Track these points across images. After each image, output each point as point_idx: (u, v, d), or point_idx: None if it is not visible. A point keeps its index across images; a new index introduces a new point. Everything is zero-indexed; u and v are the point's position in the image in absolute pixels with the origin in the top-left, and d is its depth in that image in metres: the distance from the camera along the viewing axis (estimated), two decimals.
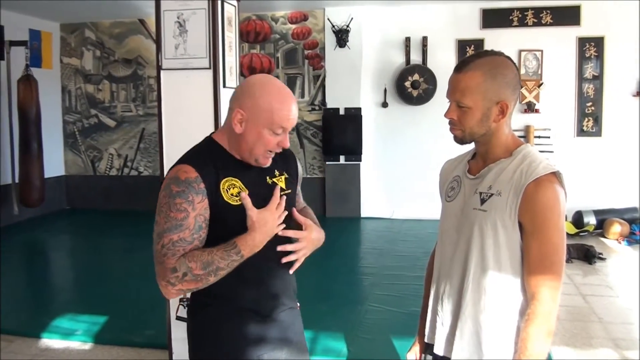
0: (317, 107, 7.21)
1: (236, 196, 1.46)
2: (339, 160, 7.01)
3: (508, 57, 1.44)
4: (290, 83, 7.27)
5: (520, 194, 1.36)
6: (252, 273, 1.49)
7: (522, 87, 6.61)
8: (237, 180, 1.47)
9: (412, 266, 4.88)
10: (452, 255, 1.51)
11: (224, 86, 2.90)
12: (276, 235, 1.50)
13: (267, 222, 1.45)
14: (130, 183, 7.82)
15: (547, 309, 1.35)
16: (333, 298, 4.20)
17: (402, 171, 6.94)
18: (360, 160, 6.92)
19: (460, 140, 1.47)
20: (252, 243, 1.43)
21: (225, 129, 1.52)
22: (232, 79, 3.00)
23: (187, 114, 2.89)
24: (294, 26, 7.28)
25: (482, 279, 1.43)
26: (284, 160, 1.62)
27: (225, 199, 1.44)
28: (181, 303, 2.90)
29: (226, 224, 1.45)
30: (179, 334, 2.94)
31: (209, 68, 2.82)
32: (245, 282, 1.50)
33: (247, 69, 7.37)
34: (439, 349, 1.53)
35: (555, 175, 1.38)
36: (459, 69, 1.42)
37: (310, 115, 7.25)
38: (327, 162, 7.07)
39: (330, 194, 6.97)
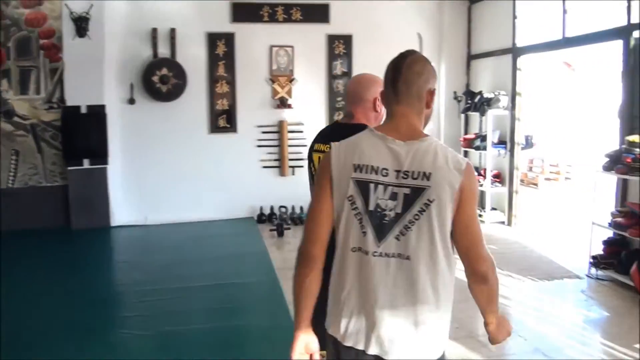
0: (55, 105, 6.36)
1: None
2: (82, 165, 6.22)
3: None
4: (24, 77, 6.34)
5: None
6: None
7: (274, 83, 6.61)
8: None
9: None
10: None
11: None
12: None
13: None
14: None
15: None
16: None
17: (155, 173, 6.46)
18: (107, 164, 6.24)
19: None
20: None
21: (363, 116, 2.03)
22: None
23: None
24: (27, 11, 6.31)
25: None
26: None
27: None
28: None
29: None
30: None
31: None
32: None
33: None
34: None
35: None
36: None
37: (48, 115, 6.37)
38: (69, 168, 6.22)
39: (75, 203, 6.16)
